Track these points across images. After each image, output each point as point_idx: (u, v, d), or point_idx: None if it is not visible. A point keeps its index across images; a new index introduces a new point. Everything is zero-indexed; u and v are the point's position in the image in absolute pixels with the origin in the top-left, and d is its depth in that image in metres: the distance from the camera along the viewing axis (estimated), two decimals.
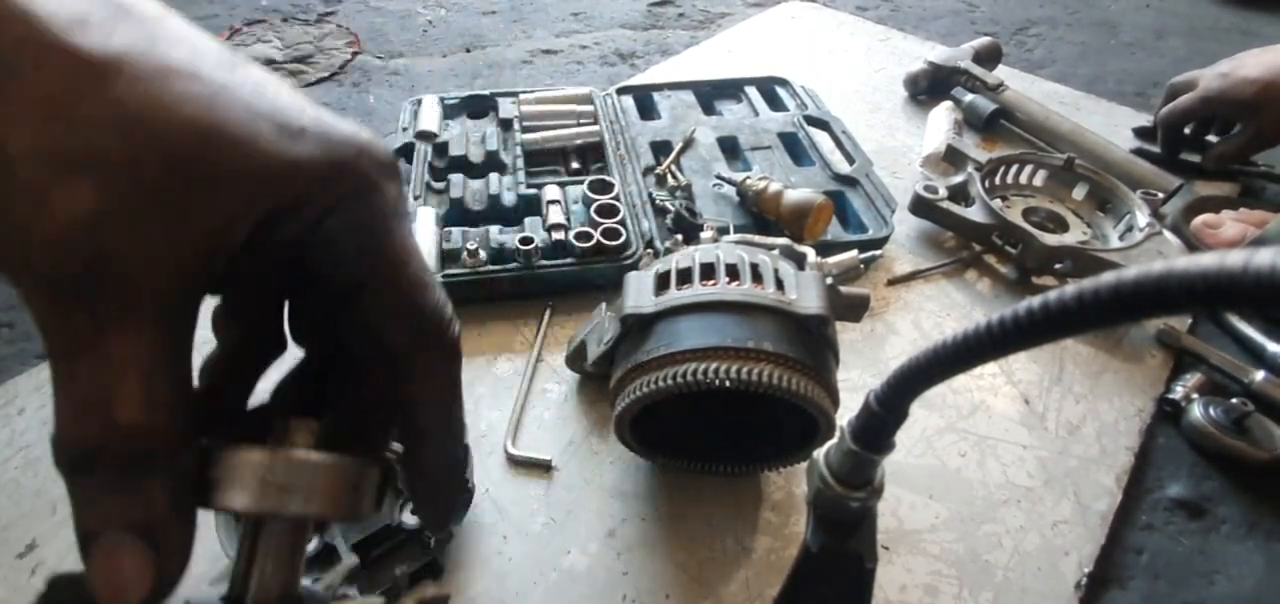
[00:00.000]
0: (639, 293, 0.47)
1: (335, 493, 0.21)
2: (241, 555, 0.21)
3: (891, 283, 0.70)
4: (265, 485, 0.19)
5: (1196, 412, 0.57)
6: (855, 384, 0.59)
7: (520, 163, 0.77)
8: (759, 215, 0.73)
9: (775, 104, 0.93)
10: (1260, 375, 0.59)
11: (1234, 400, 0.57)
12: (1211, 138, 0.89)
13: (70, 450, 0.17)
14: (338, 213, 0.20)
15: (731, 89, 0.97)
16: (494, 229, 0.68)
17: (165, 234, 0.17)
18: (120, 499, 0.17)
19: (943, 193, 0.73)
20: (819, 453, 0.34)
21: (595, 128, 0.83)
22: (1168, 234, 0.69)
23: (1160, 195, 0.77)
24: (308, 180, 0.19)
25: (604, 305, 0.54)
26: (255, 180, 0.18)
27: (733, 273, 0.47)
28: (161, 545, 0.18)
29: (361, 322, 0.21)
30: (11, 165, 0.15)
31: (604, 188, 0.74)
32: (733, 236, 0.57)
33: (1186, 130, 0.89)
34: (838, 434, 0.32)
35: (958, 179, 0.76)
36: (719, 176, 0.76)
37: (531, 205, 0.72)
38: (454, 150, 0.77)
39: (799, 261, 0.51)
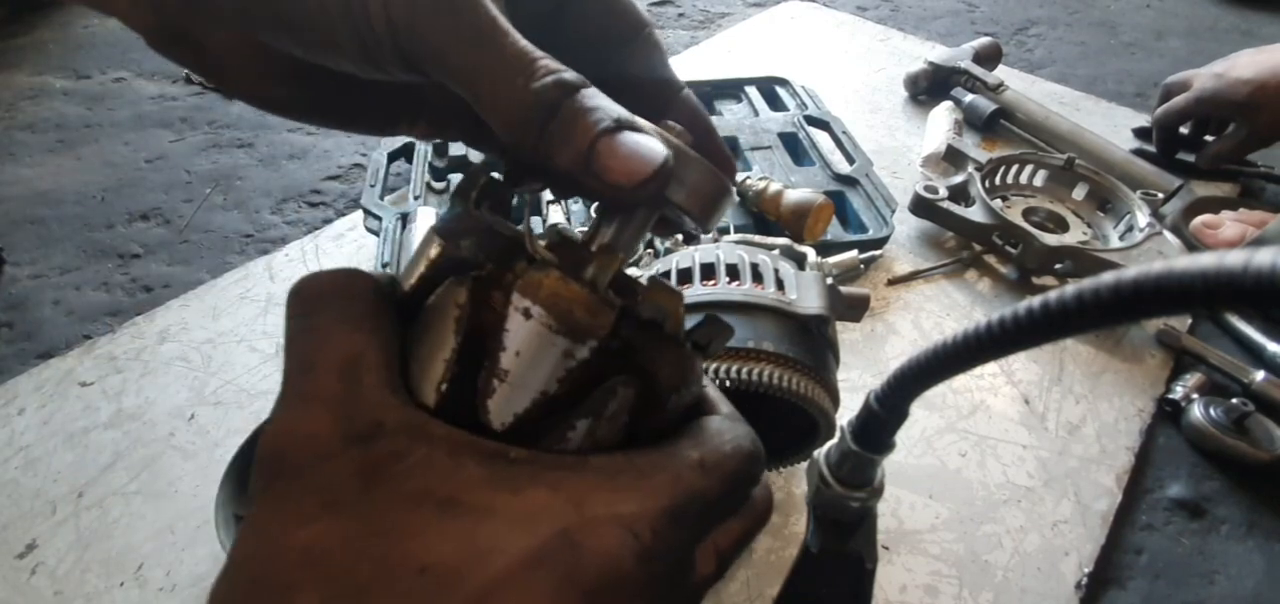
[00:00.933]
0: None
1: (705, 193, 0.22)
2: (602, 219, 0.23)
3: (891, 283, 0.70)
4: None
5: (1196, 412, 0.57)
6: (855, 384, 0.59)
7: None
8: (759, 215, 0.73)
9: (775, 104, 0.94)
10: (1260, 375, 0.60)
11: (1234, 400, 0.57)
12: (1207, 138, 0.89)
13: (537, 106, 0.20)
14: None
15: (731, 89, 0.97)
16: None
17: None
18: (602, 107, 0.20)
19: (943, 193, 0.73)
20: (819, 453, 0.34)
21: None
22: (1168, 234, 0.69)
23: (1160, 196, 0.77)
24: None
25: None
26: None
27: (733, 273, 0.47)
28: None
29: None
30: None
31: None
32: (733, 237, 0.57)
33: (1182, 130, 0.89)
34: (838, 434, 0.32)
35: (958, 179, 0.76)
36: None
37: (532, 205, 0.72)
38: (454, 150, 0.77)
39: (799, 261, 0.51)
